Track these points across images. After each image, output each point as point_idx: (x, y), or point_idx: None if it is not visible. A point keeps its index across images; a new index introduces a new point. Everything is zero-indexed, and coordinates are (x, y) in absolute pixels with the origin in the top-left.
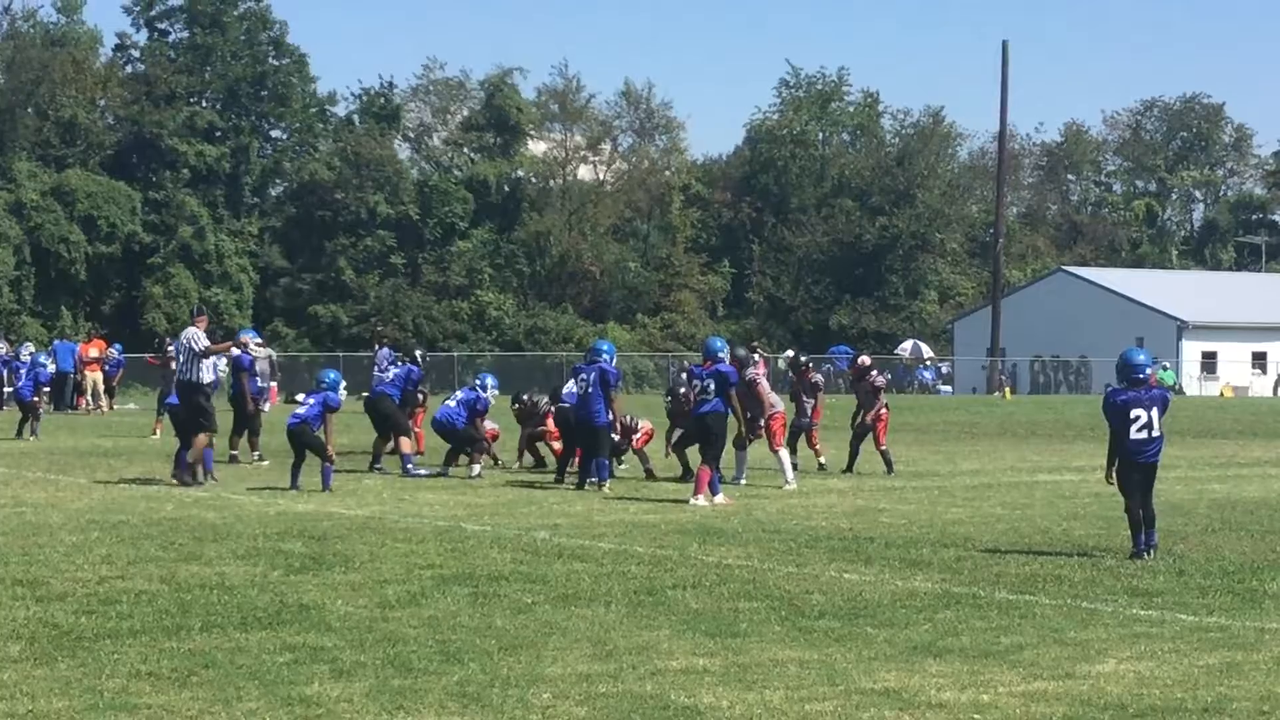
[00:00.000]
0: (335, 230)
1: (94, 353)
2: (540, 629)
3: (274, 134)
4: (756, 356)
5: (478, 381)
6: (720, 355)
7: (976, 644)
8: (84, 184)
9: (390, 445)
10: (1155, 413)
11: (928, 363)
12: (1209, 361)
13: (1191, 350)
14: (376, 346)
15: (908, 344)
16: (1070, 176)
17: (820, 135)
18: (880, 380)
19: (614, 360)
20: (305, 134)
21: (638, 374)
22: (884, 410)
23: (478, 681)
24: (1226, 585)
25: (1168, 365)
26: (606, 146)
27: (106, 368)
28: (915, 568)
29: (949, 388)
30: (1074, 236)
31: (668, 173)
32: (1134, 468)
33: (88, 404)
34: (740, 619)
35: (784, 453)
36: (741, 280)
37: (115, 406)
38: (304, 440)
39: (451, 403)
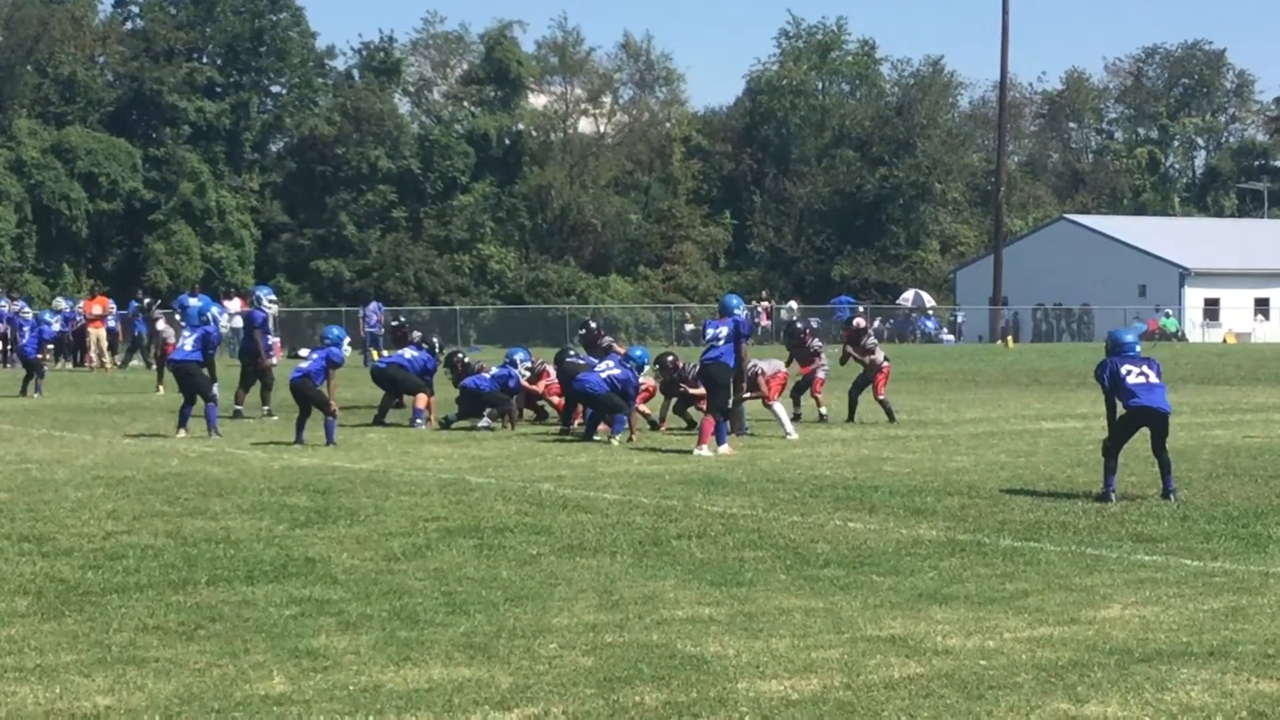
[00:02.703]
0: (336, 185)
1: (97, 309)
2: (546, 580)
3: (274, 89)
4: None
5: (511, 356)
6: (736, 311)
7: (982, 591)
8: (84, 141)
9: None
10: (1149, 368)
11: (930, 312)
12: (1211, 308)
13: (1194, 297)
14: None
15: (909, 294)
16: (1072, 124)
17: (820, 85)
18: (871, 343)
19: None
20: (305, 89)
21: (640, 326)
22: (884, 364)
23: (484, 632)
24: (1231, 530)
25: (1170, 313)
26: (607, 99)
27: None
28: (920, 516)
29: (952, 336)
30: (1076, 185)
31: (668, 125)
32: (1140, 414)
33: (91, 361)
34: (745, 568)
35: (778, 406)
36: (743, 231)
37: (118, 363)
38: (307, 395)
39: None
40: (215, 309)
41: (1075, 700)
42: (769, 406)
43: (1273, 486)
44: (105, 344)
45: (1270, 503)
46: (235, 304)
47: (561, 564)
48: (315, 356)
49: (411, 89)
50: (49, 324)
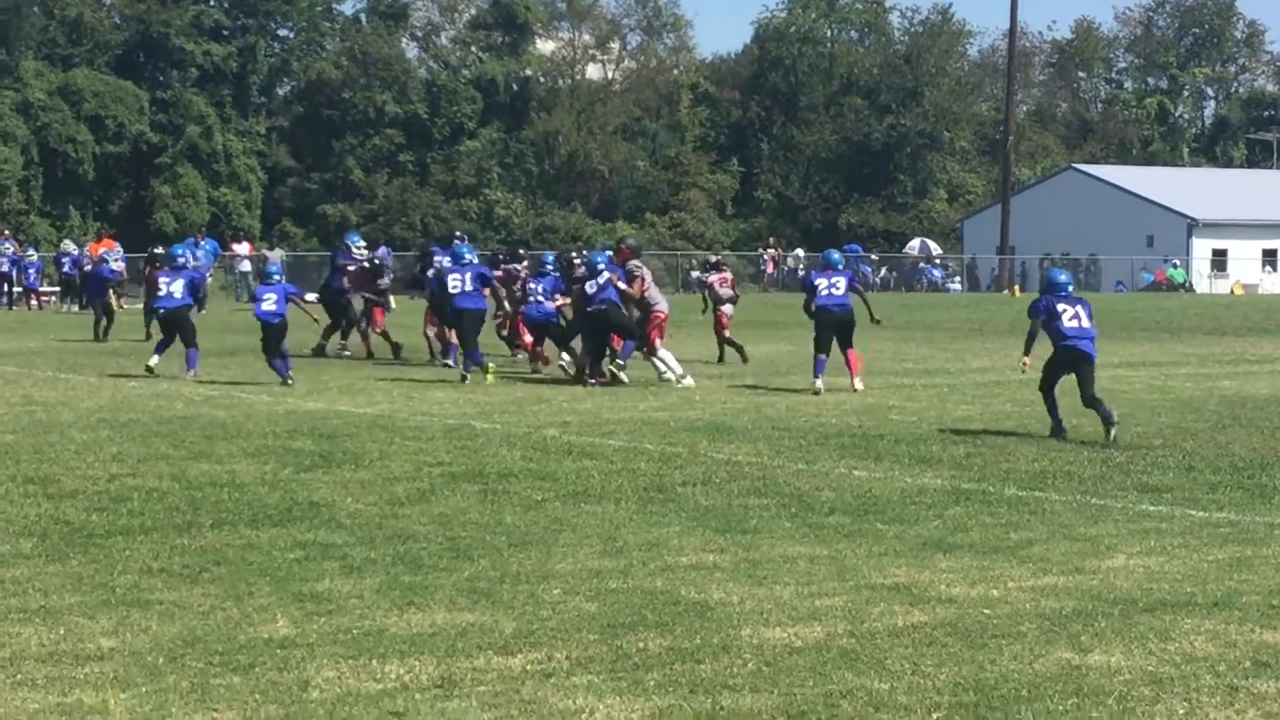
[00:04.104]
0: (343, 130)
1: (103, 252)
2: (550, 526)
3: (281, 33)
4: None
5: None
6: (840, 265)
7: (986, 540)
8: (91, 83)
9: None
10: (1081, 310)
11: (936, 260)
12: (1219, 259)
13: (1202, 248)
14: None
15: (915, 242)
16: (1081, 74)
17: (829, 33)
18: (712, 278)
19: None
20: (312, 33)
21: None
22: (722, 309)
23: (488, 578)
24: (1236, 481)
25: (1178, 263)
26: (615, 45)
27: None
28: (925, 464)
29: (958, 285)
30: (1084, 134)
31: (676, 71)
32: (1071, 355)
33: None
34: (750, 515)
35: (663, 353)
36: (750, 179)
37: (125, 306)
38: (281, 334)
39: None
40: (200, 253)
41: (1079, 649)
42: (650, 359)
43: (1279, 438)
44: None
45: (1276, 453)
46: (245, 248)
47: (566, 510)
48: (273, 296)
49: (419, 34)
50: (107, 263)
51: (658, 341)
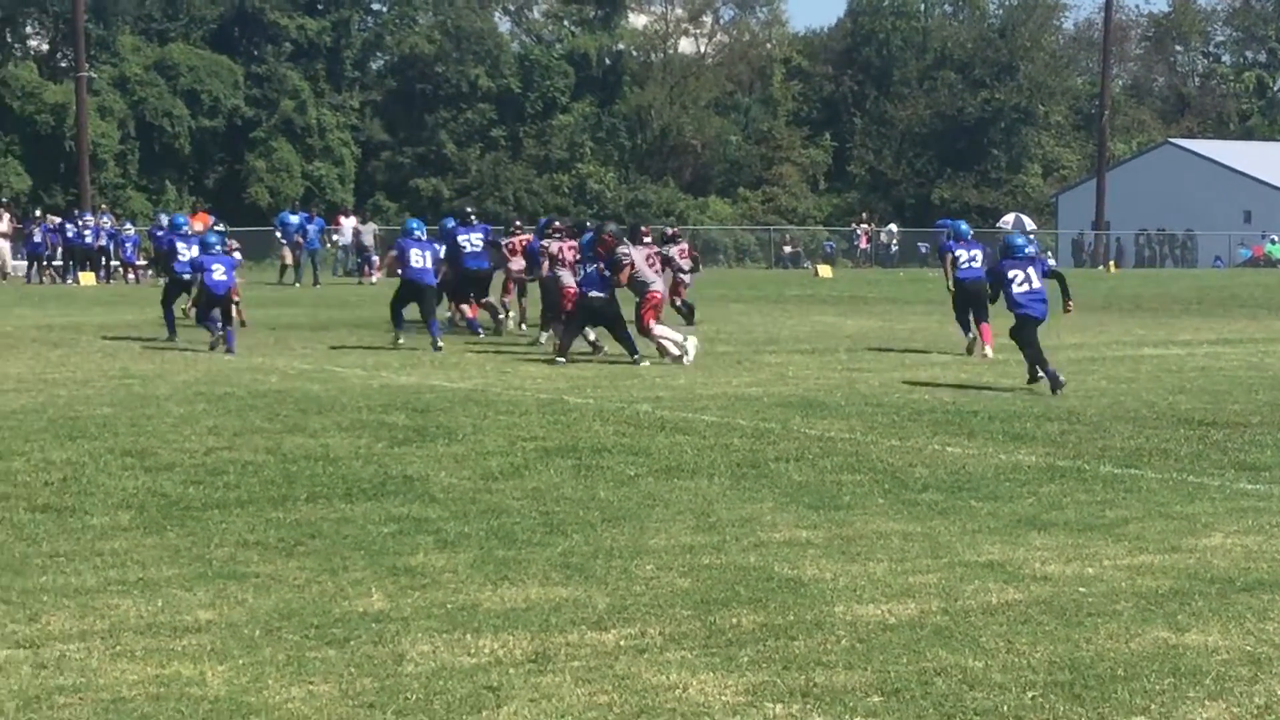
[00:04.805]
0: (436, 104)
1: (199, 227)
2: (643, 501)
3: (374, 7)
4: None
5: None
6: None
7: (1081, 517)
8: (187, 58)
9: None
10: (1031, 270)
11: (1031, 236)
12: None
13: None
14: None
15: (1010, 217)
16: (1178, 47)
17: (922, 6)
18: (671, 251)
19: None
20: (405, 7)
21: (739, 248)
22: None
23: (581, 553)
24: None
25: (1276, 239)
26: (707, 19)
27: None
28: (1019, 441)
29: (1052, 260)
30: (1181, 109)
31: (769, 45)
32: (1025, 321)
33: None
34: (843, 492)
35: (659, 330)
36: (843, 153)
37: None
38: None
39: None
40: (311, 228)
41: (1175, 629)
42: (646, 334)
43: None
44: None
45: None
46: (350, 222)
47: (659, 485)
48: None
49: (511, 8)
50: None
51: (651, 321)
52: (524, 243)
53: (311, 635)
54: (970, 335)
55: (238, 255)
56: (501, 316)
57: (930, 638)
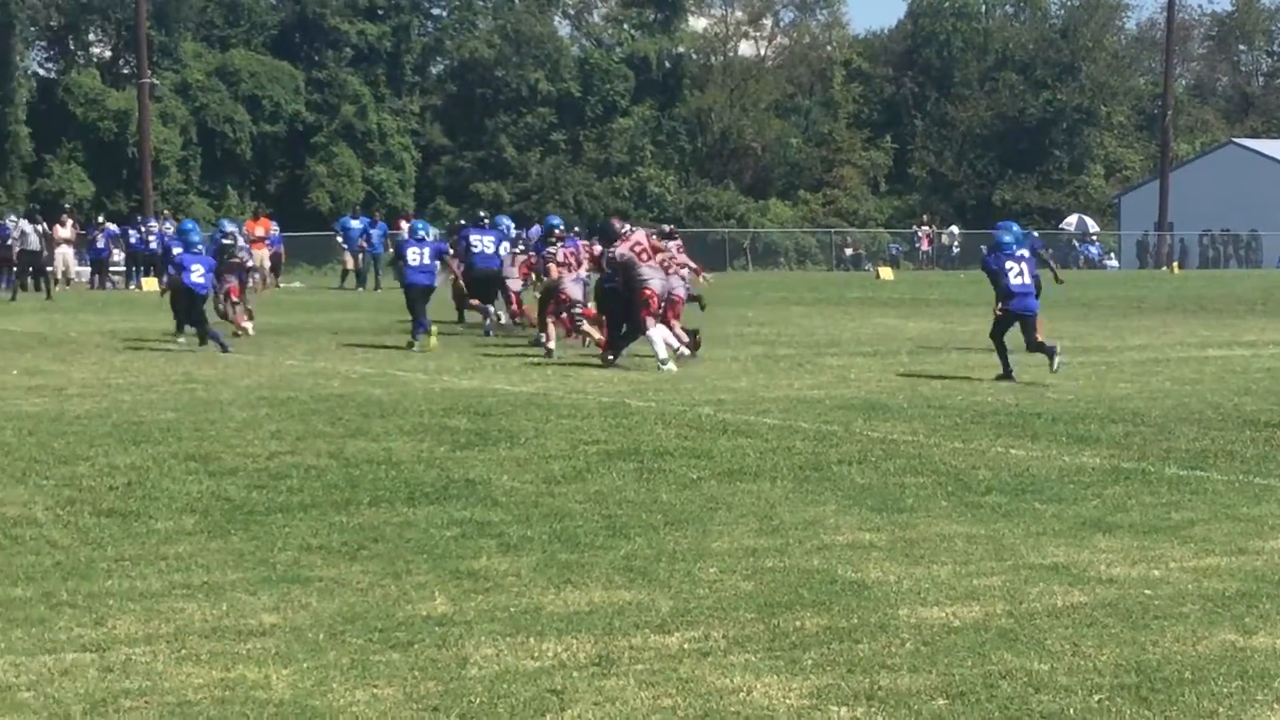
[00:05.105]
0: (496, 108)
1: (259, 232)
2: (706, 504)
3: (434, 11)
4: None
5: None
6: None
7: (1146, 519)
8: (248, 64)
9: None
10: (1025, 265)
11: (1093, 237)
12: None
13: None
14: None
15: (1072, 218)
16: (1241, 46)
17: (983, 8)
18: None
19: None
20: (465, 11)
21: (800, 250)
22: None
23: (644, 556)
24: None
25: None
26: (767, 22)
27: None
28: (1083, 443)
29: (1115, 261)
30: (1245, 108)
31: (829, 47)
32: (1017, 312)
33: (254, 282)
34: (906, 494)
35: (653, 332)
36: (904, 155)
37: (281, 284)
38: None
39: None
40: (374, 232)
41: (1243, 631)
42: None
43: None
44: (267, 265)
45: None
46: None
47: (722, 488)
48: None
49: (571, 11)
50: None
51: (648, 320)
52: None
53: (375, 639)
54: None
55: (245, 256)
56: (493, 317)
57: (995, 640)
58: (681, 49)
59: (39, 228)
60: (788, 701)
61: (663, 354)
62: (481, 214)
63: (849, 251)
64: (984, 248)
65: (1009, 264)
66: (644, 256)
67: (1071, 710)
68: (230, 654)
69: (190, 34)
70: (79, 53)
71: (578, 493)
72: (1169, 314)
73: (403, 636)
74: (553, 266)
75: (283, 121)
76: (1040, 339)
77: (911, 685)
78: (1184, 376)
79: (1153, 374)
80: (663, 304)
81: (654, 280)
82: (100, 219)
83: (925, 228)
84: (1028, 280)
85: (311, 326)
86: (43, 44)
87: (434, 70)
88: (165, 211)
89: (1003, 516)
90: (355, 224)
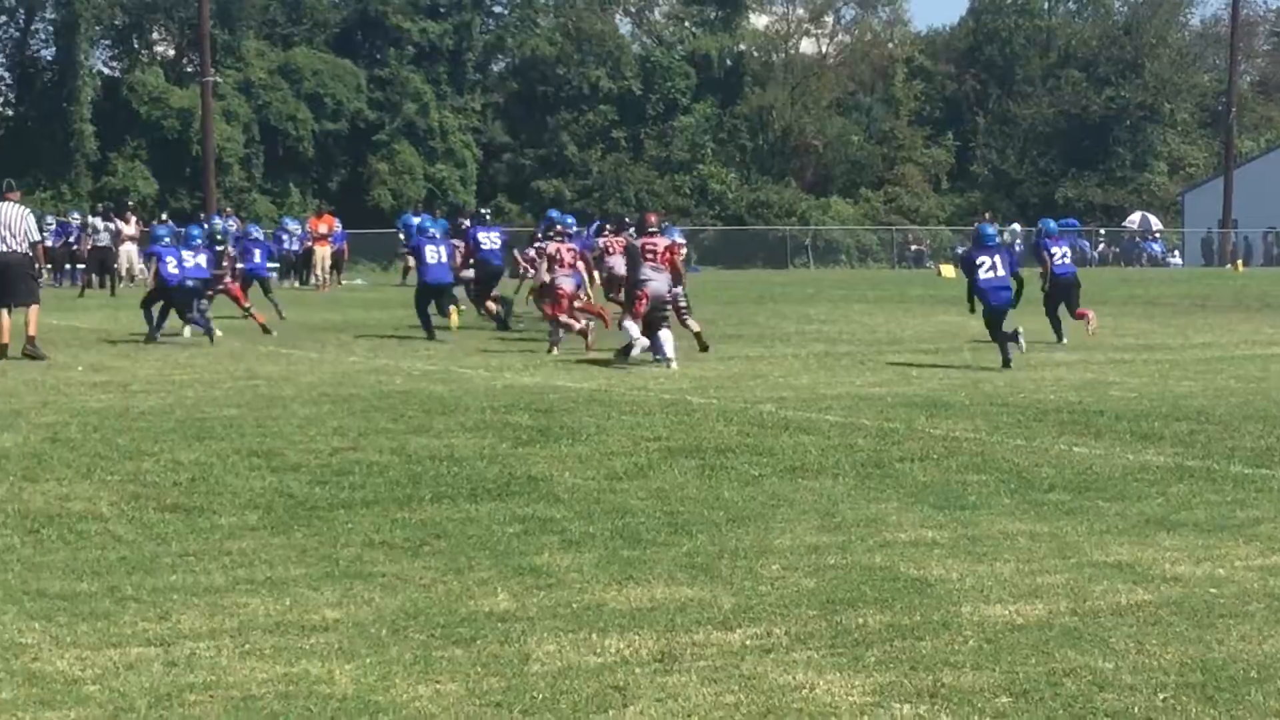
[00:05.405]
0: (557, 105)
1: (323, 229)
2: (768, 501)
3: (496, 9)
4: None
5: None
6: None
7: (1211, 518)
8: (310, 62)
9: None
10: (998, 259)
11: (1156, 235)
12: None
13: None
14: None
15: (1136, 216)
16: None
17: (1046, 4)
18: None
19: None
20: (526, 9)
21: (861, 248)
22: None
23: (706, 552)
24: None
25: None
26: (829, 19)
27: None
28: (1147, 441)
29: (1179, 259)
30: None
31: (890, 45)
32: (990, 309)
33: (317, 279)
34: (968, 491)
35: (628, 323)
36: (966, 153)
37: (343, 282)
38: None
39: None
40: (435, 228)
41: None
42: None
43: None
44: (329, 263)
45: None
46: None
47: (783, 485)
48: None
49: (632, 9)
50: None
51: (634, 313)
52: (620, 243)
53: (438, 634)
54: (1063, 340)
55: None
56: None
57: (1059, 638)
58: (742, 46)
59: (110, 224)
60: (850, 699)
61: (635, 352)
62: (484, 211)
63: (914, 248)
64: (1068, 249)
65: (981, 258)
66: (650, 257)
67: (1136, 709)
68: (293, 649)
69: (253, 32)
70: (143, 51)
71: (639, 489)
72: (1233, 312)
73: (465, 632)
74: (543, 263)
75: (345, 119)
76: (1092, 323)
77: (975, 683)
78: (1249, 374)
79: (1217, 372)
80: (662, 306)
81: (651, 283)
82: (163, 216)
83: None
84: (1001, 273)
85: (373, 323)
86: (107, 42)
87: (495, 68)
88: (228, 209)
89: (1066, 514)
90: (417, 221)
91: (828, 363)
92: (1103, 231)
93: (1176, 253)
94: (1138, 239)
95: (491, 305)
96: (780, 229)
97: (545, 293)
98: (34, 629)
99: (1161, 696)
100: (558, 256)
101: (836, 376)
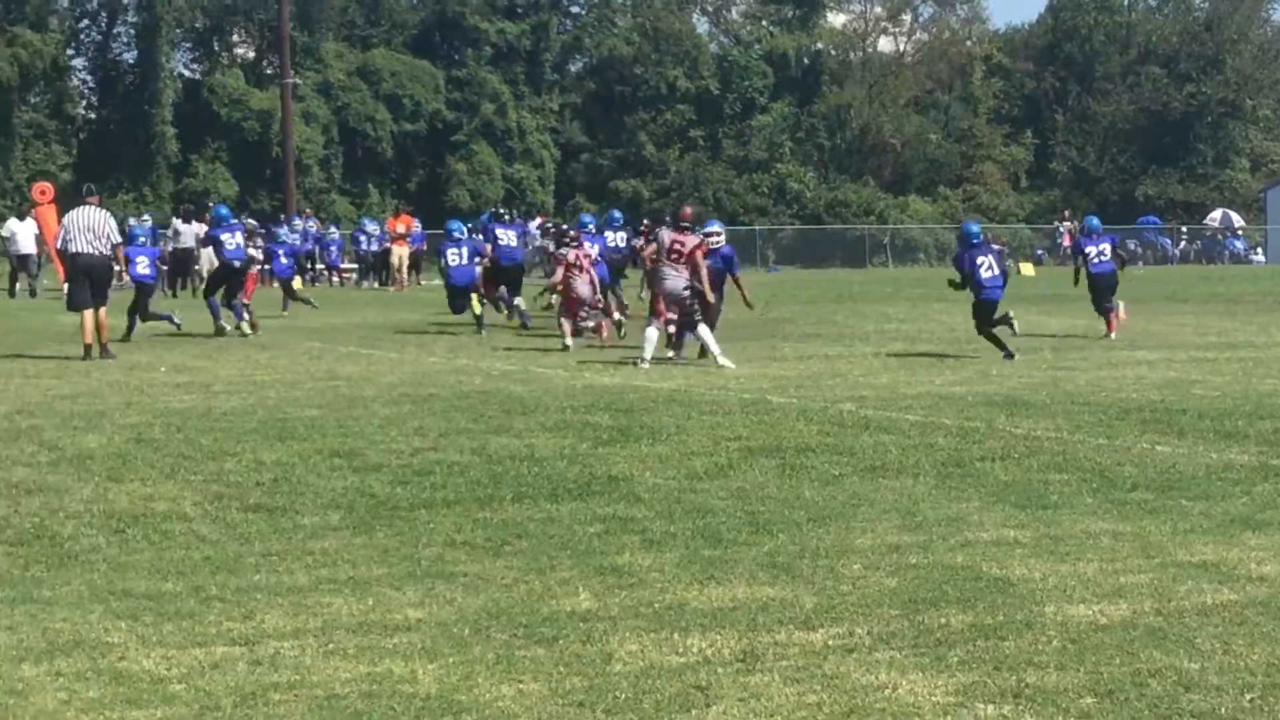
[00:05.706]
0: (635, 105)
1: (401, 229)
2: (848, 500)
3: (573, 9)
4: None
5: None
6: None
7: None
8: (388, 63)
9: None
10: (992, 258)
11: (1239, 232)
12: None
13: None
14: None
15: (1217, 213)
16: None
17: (1126, 1)
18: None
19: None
20: (604, 9)
21: (940, 247)
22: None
23: (787, 552)
24: None
25: None
26: (906, 17)
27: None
28: (1230, 440)
29: (1261, 256)
30: None
31: (969, 43)
32: (989, 303)
33: (398, 280)
34: (1050, 491)
35: (650, 330)
36: (1045, 151)
37: (422, 282)
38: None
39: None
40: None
41: None
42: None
43: None
44: (407, 263)
45: None
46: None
47: (864, 485)
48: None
49: (710, 9)
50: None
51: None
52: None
53: (520, 634)
54: (1112, 335)
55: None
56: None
57: (1143, 639)
58: (820, 45)
59: (194, 227)
60: (933, 699)
61: (646, 354)
62: (502, 210)
63: (997, 247)
64: (1107, 247)
65: (980, 258)
66: (671, 256)
67: (1223, 709)
68: (376, 648)
69: (332, 34)
70: (223, 54)
71: (720, 489)
72: None
73: (547, 632)
74: (560, 268)
75: (423, 120)
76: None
77: (1059, 683)
78: None
79: None
80: (683, 304)
81: (665, 281)
82: (244, 217)
83: (1067, 224)
84: (996, 271)
85: (453, 323)
86: (188, 45)
87: (573, 68)
88: (308, 210)
89: (1149, 514)
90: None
91: (907, 362)
92: (1184, 229)
93: (1259, 250)
94: (1219, 236)
95: (492, 294)
96: (858, 228)
97: (562, 298)
98: (120, 628)
99: (1249, 697)
100: (577, 263)
101: (916, 375)
